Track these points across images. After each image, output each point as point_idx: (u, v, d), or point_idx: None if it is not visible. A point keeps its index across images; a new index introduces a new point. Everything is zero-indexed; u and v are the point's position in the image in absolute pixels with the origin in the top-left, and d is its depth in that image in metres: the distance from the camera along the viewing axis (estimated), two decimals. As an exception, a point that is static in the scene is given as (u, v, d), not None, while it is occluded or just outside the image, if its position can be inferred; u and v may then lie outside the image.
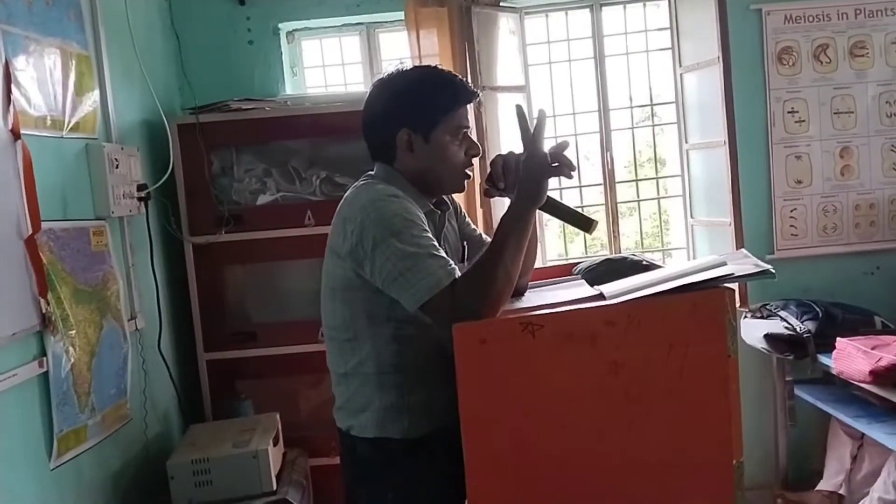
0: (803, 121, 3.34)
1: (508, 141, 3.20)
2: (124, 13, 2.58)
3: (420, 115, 1.61)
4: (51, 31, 2.11)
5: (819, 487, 3.12)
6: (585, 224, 1.60)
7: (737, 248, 3.05)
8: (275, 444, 2.48)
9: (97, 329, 2.18)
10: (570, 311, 1.42)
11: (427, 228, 1.53)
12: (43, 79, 2.05)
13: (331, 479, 2.76)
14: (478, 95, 1.69)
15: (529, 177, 1.52)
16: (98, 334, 2.18)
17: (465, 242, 1.80)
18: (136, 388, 2.42)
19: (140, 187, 2.50)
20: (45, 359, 1.91)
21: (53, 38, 2.12)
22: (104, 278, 2.26)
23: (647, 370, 1.35)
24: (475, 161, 1.69)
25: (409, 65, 1.73)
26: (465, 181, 1.68)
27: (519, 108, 1.59)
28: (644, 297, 1.37)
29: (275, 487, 2.37)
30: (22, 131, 1.86)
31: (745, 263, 1.46)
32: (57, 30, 2.14)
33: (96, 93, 2.35)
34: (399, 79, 1.66)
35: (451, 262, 1.49)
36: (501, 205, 3.03)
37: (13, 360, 1.80)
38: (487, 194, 1.70)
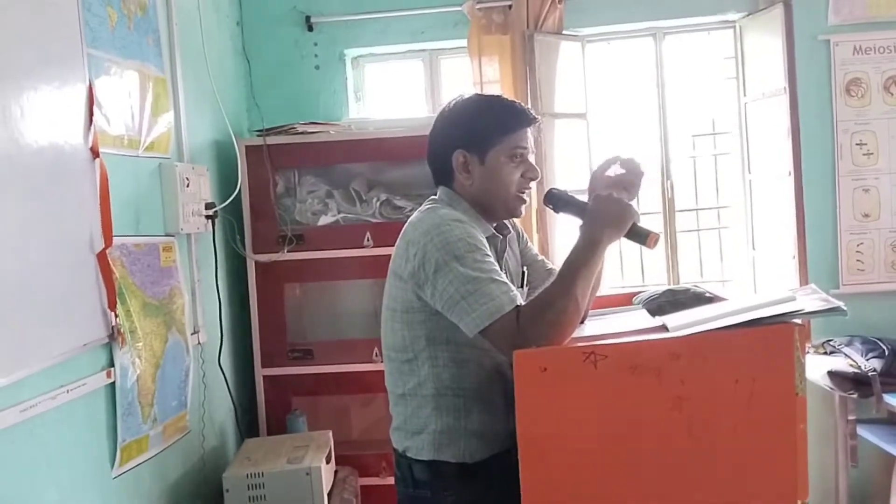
0: (872, 153, 3.26)
1: (566, 168, 3.20)
2: (199, 38, 2.68)
3: (475, 135, 1.63)
4: (131, 55, 2.19)
5: (882, 532, 3.01)
6: (644, 237, 1.52)
7: (800, 282, 2.98)
8: (327, 462, 2.49)
9: (163, 342, 2.24)
10: (635, 342, 1.40)
11: (490, 254, 1.54)
12: (122, 100, 2.13)
13: (380, 499, 2.79)
14: (537, 120, 1.69)
15: (617, 216, 1.51)
16: (163, 347, 2.24)
17: (525, 268, 1.80)
18: (195, 401, 2.47)
19: (208, 205, 2.57)
20: (112, 369, 1.97)
21: (133, 60, 2.20)
22: (171, 293, 2.32)
23: (711, 405, 1.32)
24: (533, 186, 1.69)
25: (471, 93, 1.75)
26: (522, 206, 1.68)
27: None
28: (710, 330, 1.34)
29: (326, 505, 2.39)
30: (100, 150, 1.93)
31: (814, 299, 1.42)
32: (137, 53, 2.23)
33: (171, 114, 2.44)
34: (459, 104, 1.70)
35: (513, 288, 1.49)
36: (559, 229, 3.04)
37: (83, 370, 1.86)
38: (547, 201, 1.67)
